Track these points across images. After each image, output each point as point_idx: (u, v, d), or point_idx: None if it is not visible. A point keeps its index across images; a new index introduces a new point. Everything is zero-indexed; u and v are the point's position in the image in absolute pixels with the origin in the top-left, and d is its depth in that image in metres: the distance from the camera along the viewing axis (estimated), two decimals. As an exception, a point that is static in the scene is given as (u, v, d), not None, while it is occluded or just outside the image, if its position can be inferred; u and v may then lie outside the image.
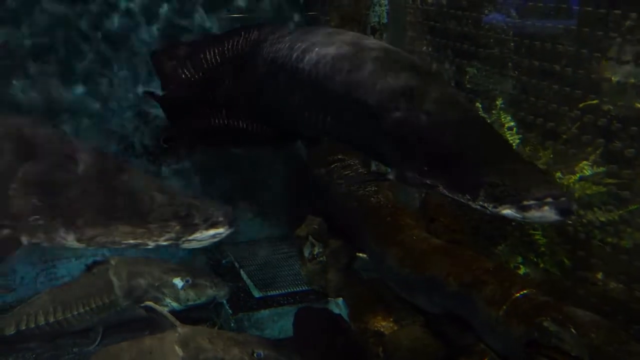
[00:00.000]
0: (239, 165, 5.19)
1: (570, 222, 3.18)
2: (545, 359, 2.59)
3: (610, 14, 3.02)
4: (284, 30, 3.59)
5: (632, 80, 2.97)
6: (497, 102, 3.65)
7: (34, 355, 4.35)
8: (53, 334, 4.41)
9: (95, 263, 4.51)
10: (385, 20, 4.76)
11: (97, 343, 4.42)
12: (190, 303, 4.47)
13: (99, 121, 4.91)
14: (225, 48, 3.80)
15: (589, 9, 3.15)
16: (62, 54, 4.74)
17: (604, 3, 3.05)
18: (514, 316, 2.73)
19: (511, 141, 3.49)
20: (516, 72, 3.62)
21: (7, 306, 4.61)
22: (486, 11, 3.91)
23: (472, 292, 2.96)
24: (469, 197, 2.54)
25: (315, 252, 4.16)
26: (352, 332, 3.67)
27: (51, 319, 4.34)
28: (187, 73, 3.89)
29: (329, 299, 4.26)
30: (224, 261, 5.12)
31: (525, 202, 2.38)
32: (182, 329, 3.51)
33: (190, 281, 4.47)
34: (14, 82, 4.62)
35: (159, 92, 4.16)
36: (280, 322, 4.36)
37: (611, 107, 3.04)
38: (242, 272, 4.92)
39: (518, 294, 2.80)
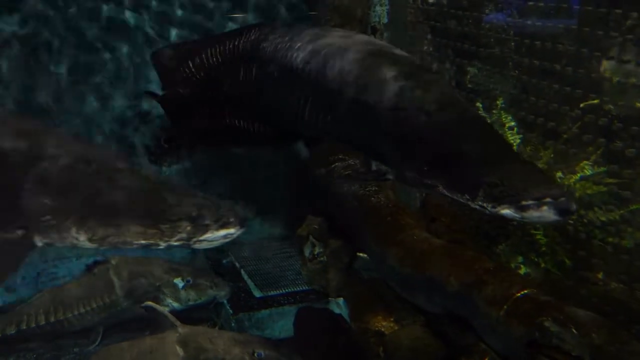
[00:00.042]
0: (239, 165, 5.19)
1: (571, 221, 3.18)
2: (546, 359, 2.58)
3: (611, 13, 3.02)
4: (284, 30, 3.59)
5: (633, 80, 2.97)
6: (498, 102, 3.65)
7: (34, 355, 4.35)
8: (54, 333, 4.41)
9: (96, 263, 4.51)
10: (385, 20, 4.76)
11: (97, 343, 4.42)
12: (190, 303, 4.47)
13: (99, 121, 4.91)
14: (226, 48, 3.80)
15: (590, 8, 3.15)
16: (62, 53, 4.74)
17: (605, 2, 3.05)
18: (514, 316, 2.73)
19: (512, 141, 3.49)
20: (517, 72, 3.62)
21: (8, 306, 4.60)
22: (487, 11, 3.90)
23: (473, 292, 2.96)
24: (468, 197, 2.54)
25: (315, 252, 4.16)
26: (352, 332, 3.67)
27: (52, 319, 4.34)
28: (187, 73, 3.90)
29: (330, 298, 4.26)
30: (224, 261, 5.12)
31: (524, 202, 2.38)
32: (182, 329, 3.51)
33: (190, 281, 4.47)
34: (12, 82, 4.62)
35: (159, 92, 4.18)
36: (280, 322, 4.35)
37: (612, 107, 3.04)
38: (242, 272, 4.92)
39: (519, 294, 2.80)
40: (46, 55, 4.69)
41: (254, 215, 5.31)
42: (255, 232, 5.33)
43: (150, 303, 3.87)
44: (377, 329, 3.55)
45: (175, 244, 2.52)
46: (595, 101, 3.10)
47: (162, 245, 2.52)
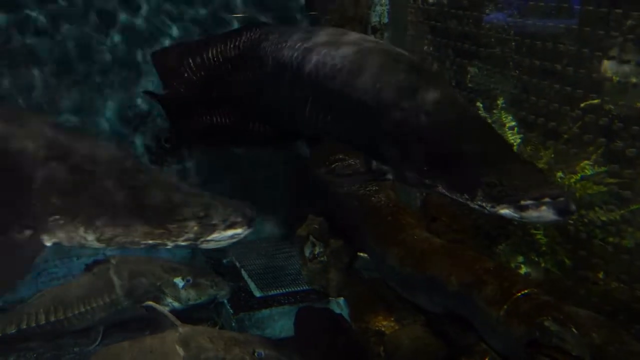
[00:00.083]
0: (239, 165, 5.19)
1: (571, 221, 3.18)
2: (546, 358, 2.58)
3: (612, 13, 3.02)
4: (284, 30, 3.59)
5: (634, 80, 2.97)
6: (498, 102, 3.65)
7: (35, 355, 4.35)
8: (54, 333, 4.41)
9: (96, 262, 4.51)
10: (386, 20, 4.76)
11: (97, 342, 4.41)
12: (191, 302, 4.47)
13: (100, 121, 4.91)
14: (226, 48, 3.80)
15: (590, 8, 3.15)
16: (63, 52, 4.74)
17: (605, 2, 3.05)
18: (514, 316, 2.73)
19: (512, 141, 3.49)
20: (517, 72, 3.62)
21: (8, 305, 4.60)
22: (487, 10, 3.91)
23: (473, 291, 2.96)
24: (467, 197, 2.54)
25: (316, 252, 4.16)
26: (353, 332, 3.67)
27: (52, 318, 4.34)
28: (188, 73, 3.90)
29: (330, 298, 4.26)
30: (224, 261, 5.12)
31: (523, 202, 2.38)
32: (183, 329, 3.51)
33: (191, 280, 4.47)
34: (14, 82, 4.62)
35: (159, 92, 4.17)
36: (281, 322, 4.35)
37: (612, 107, 3.04)
38: (242, 271, 4.92)
39: (519, 294, 2.80)
40: (46, 54, 4.69)
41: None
42: (255, 232, 5.31)
43: (150, 303, 3.87)
44: (377, 328, 3.55)
45: (183, 244, 2.53)
46: (596, 101, 3.10)
47: (170, 245, 2.52)
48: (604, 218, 3.08)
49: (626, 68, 2.99)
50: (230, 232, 2.55)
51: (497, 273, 2.99)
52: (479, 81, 3.92)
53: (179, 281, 4.44)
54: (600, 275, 3.13)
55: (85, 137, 2.66)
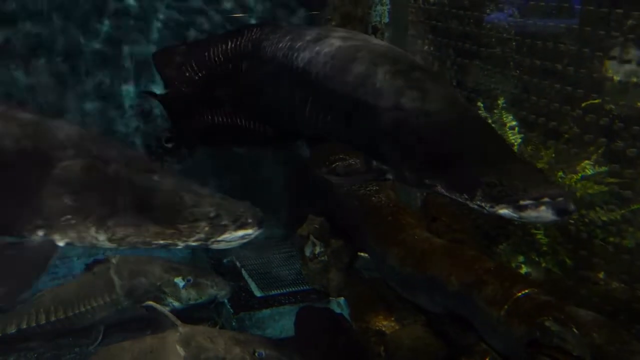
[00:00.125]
0: (239, 165, 5.19)
1: (572, 221, 3.18)
2: (547, 358, 2.58)
3: (612, 13, 3.02)
4: (285, 30, 3.59)
5: (634, 80, 2.97)
6: (499, 102, 3.65)
7: (35, 355, 4.35)
8: (54, 333, 4.41)
9: (97, 262, 4.50)
10: (386, 20, 4.76)
11: (98, 342, 4.41)
12: (191, 302, 4.46)
13: (100, 121, 4.91)
14: (227, 47, 3.80)
15: (591, 8, 3.15)
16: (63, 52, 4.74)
17: (606, 2, 3.05)
18: (515, 316, 2.73)
19: (513, 141, 3.49)
20: (518, 72, 3.62)
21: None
22: (488, 10, 3.91)
23: (474, 291, 2.95)
24: (466, 197, 2.54)
25: (316, 252, 4.16)
26: (353, 332, 3.66)
27: (52, 318, 4.34)
28: (189, 72, 3.89)
29: (331, 298, 4.26)
30: (225, 260, 5.12)
31: (522, 202, 2.37)
32: (183, 329, 3.50)
33: (191, 280, 4.47)
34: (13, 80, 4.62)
35: (160, 92, 4.18)
36: (281, 322, 4.35)
37: (613, 107, 3.04)
38: (243, 271, 4.92)
39: (519, 294, 2.80)
40: (46, 53, 4.69)
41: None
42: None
43: (150, 302, 3.87)
44: (378, 328, 3.54)
45: (193, 244, 2.53)
46: (597, 101, 3.10)
47: (181, 245, 2.53)
48: (604, 218, 3.08)
49: (627, 68, 2.99)
50: (241, 233, 2.56)
51: (498, 273, 2.99)
52: (479, 81, 3.92)
53: (179, 281, 4.44)
54: (601, 275, 3.13)
55: (97, 136, 2.67)
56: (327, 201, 4.27)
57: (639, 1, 2.93)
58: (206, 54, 3.84)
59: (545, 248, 3.35)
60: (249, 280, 4.77)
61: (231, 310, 4.40)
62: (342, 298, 4.14)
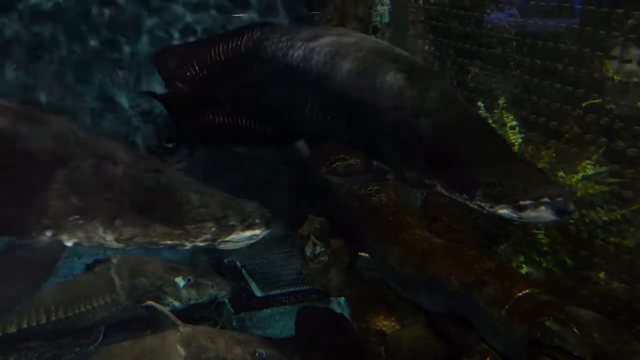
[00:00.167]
0: (239, 165, 5.19)
1: (572, 221, 3.18)
2: (547, 358, 2.58)
3: (613, 12, 3.02)
4: (286, 29, 3.59)
5: (635, 79, 2.97)
6: (500, 101, 3.64)
7: (35, 354, 4.35)
8: (55, 332, 4.41)
9: (97, 262, 4.51)
10: (387, 20, 4.76)
11: (98, 342, 4.41)
12: (192, 302, 4.47)
13: (101, 120, 4.91)
14: (228, 47, 3.80)
15: (592, 7, 3.15)
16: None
17: (607, 2, 3.05)
18: (515, 316, 2.73)
19: (513, 140, 3.48)
20: (518, 71, 3.62)
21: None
22: (488, 10, 3.90)
23: (474, 291, 2.95)
24: (466, 197, 2.54)
25: (317, 252, 4.16)
26: (353, 332, 3.66)
27: (53, 318, 4.34)
28: (189, 72, 3.90)
29: (331, 298, 4.26)
30: (225, 260, 5.12)
31: (522, 202, 2.37)
32: (183, 328, 3.50)
33: (192, 280, 4.47)
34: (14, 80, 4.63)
35: (160, 92, 4.18)
36: (282, 322, 4.35)
37: (614, 106, 3.03)
38: (243, 271, 4.92)
39: (520, 294, 2.80)
40: (47, 53, 4.69)
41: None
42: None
43: (151, 302, 3.87)
44: (378, 328, 3.54)
45: (201, 244, 2.53)
46: (597, 101, 3.10)
47: (188, 245, 2.53)
48: (605, 218, 3.08)
49: (627, 67, 2.99)
50: (248, 233, 2.57)
51: (498, 273, 2.99)
52: (480, 81, 3.92)
53: (179, 281, 4.44)
54: (602, 275, 3.13)
55: (103, 137, 2.67)
56: (327, 201, 4.27)
57: (639, 1, 2.93)
58: (206, 53, 3.84)
59: (545, 248, 3.35)
60: (250, 280, 4.77)
61: (232, 310, 4.40)
62: (343, 298, 4.14)
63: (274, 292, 4.58)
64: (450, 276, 3.10)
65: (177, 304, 4.42)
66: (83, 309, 4.37)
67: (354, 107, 2.99)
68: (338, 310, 4.09)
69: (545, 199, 2.34)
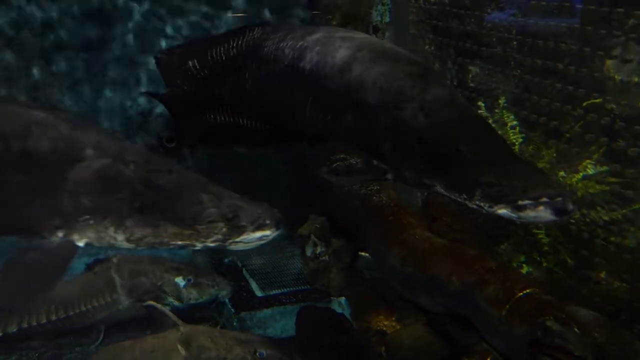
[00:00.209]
0: (239, 165, 5.19)
1: (573, 221, 3.18)
2: (548, 358, 2.58)
3: (614, 12, 3.02)
4: (286, 29, 3.59)
5: (636, 79, 2.97)
6: (500, 101, 3.64)
7: (36, 354, 4.35)
8: (55, 332, 4.40)
9: (97, 261, 4.50)
10: (387, 19, 4.76)
11: (99, 342, 4.41)
12: (192, 302, 4.46)
13: (101, 120, 4.91)
14: (228, 47, 3.80)
15: (592, 7, 3.15)
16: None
17: (607, 1, 3.05)
18: (516, 315, 2.73)
19: (514, 140, 3.48)
20: (519, 71, 3.62)
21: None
22: (489, 10, 3.90)
23: (475, 291, 2.95)
24: (465, 197, 2.54)
25: (317, 251, 4.16)
26: (354, 331, 3.67)
27: (53, 317, 4.34)
28: (190, 72, 3.90)
29: (332, 298, 4.26)
30: (226, 260, 5.12)
31: (521, 202, 2.37)
32: (184, 328, 3.50)
33: (192, 280, 4.46)
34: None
35: (161, 92, 4.18)
36: (282, 321, 4.35)
37: (614, 106, 3.03)
38: (244, 271, 4.91)
39: (521, 293, 2.80)
40: (47, 53, 4.69)
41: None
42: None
43: (151, 302, 3.87)
44: (379, 328, 3.54)
45: (211, 245, 2.54)
46: (598, 100, 3.10)
47: (199, 246, 2.53)
48: (606, 217, 3.08)
49: (628, 67, 2.99)
50: (258, 234, 2.57)
51: (499, 272, 2.99)
52: (480, 80, 3.92)
53: (180, 280, 4.44)
54: (603, 274, 3.13)
55: (114, 137, 2.67)
56: (328, 201, 4.27)
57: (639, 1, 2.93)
58: (208, 53, 3.84)
59: (546, 248, 3.35)
60: (250, 280, 4.77)
61: (232, 309, 4.40)
62: (343, 298, 4.14)
63: (274, 292, 4.58)
64: (451, 276, 3.10)
65: (177, 303, 4.41)
66: (83, 309, 4.36)
67: (354, 106, 2.99)
68: (339, 310, 4.09)
69: (544, 199, 2.34)
